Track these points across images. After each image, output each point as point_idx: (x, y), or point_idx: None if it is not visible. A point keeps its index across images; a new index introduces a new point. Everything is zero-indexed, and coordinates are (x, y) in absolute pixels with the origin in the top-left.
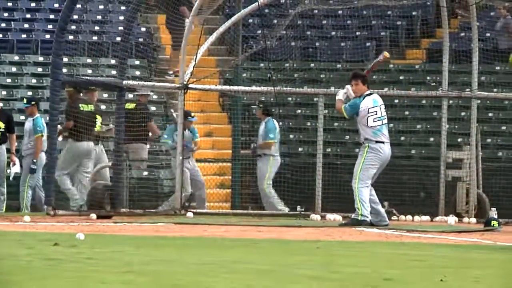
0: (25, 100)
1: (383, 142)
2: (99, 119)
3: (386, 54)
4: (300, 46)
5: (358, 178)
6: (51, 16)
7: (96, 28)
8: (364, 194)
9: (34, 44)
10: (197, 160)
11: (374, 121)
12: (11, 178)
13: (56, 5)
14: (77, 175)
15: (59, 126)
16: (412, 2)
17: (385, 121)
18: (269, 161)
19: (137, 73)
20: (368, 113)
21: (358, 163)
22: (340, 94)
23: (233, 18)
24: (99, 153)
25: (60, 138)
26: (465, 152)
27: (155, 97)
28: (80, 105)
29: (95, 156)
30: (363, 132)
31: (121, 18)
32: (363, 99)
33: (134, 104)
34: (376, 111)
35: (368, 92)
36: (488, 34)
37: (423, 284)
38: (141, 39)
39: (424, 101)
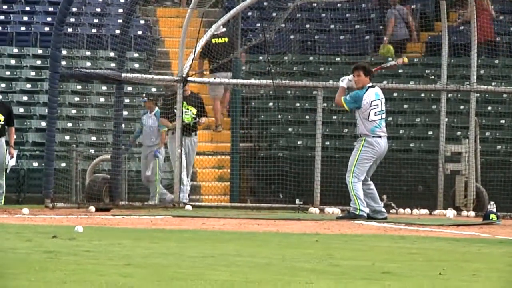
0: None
1: (380, 137)
2: (192, 110)
3: (405, 60)
4: (299, 39)
5: (352, 173)
6: (50, 9)
7: (95, 20)
8: (359, 189)
9: (33, 36)
10: (197, 153)
11: (375, 115)
12: (7, 171)
13: None
14: None
15: None
16: None
17: (384, 115)
18: (160, 152)
19: (136, 66)
20: (371, 106)
21: (353, 156)
22: (345, 81)
23: (232, 11)
24: (190, 144)
25: None
26: (464, 145)
27: (153, 90)
28: None
29: (185, 148)
30: (361, 127)
31: (120, 10)
32: (366, 91)
33: None
34: (378, 105)
35: (370, 84)
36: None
37: (422, 278)
38: (140, 32)
39: (423, 95)
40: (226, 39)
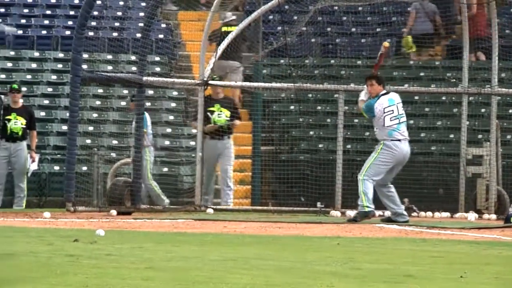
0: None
1: (399, 140)
2: (226, 112)
3: (385, 44)
4: (320, 43)
5: (365, 172)
6: (71, 12)
7: (116, 24)
8: (369, 188)
9: (54, 40)
10: None
11: (391, 120)
12: (29, 175)
13: (76, 1)
14: None
15: None
16: None
17: (403, 119)
18: (146, 154)
19: (157, 69)
20: (384, 112)
21: (370, 158)
22: (362, 95)
23: (253, 15)
24: (225, 148)
25: None
26: (485, 148)
27: (175, 93)
28: None
29: (218, 151)
30: (379, 133)
31: (141, 14)
32: (378, 99)
33: None
34: (393, 110)
35: (384, 91)
36: (507, 31)
37: (444, 281)
38: (161, 35)
39: (444, 98)
40: (234, 28)
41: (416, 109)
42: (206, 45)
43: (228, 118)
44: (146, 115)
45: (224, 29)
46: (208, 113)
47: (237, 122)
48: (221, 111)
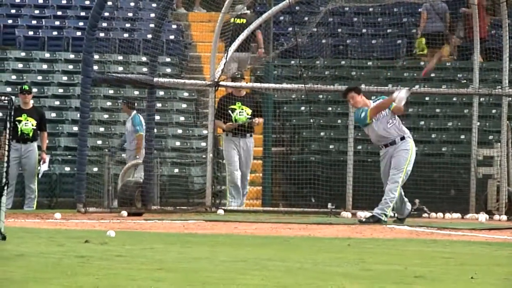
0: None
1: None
2: (247, 110)
3: (445, 52)
4: (331, 44)
5: (405, 173)
6: (82, 13)
7: (127, 25)
8: (399, 192)
9: (65, 41)
10: None
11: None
12: (39, 176)
13: (87, 2)
14: None
15: None
16: None
17: None
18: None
19: (168, 70)
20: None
21: (405, 157)
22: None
23: (264, 15)
24: (246, 146)
25: None
26: (496, 149)
27: (185, 94)
28: None
29: (240, 150)
30: (401, 127)
31: (152, 15)
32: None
33: None
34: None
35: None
36: None
37: (454, 282)
38: (172, 37)
39: (455, 99)
40: (244, 20)
41: (427, 110)
42: (217, 46)
43: (249, 116)
44: (140, 117)
45: (231, 20)
46: (229, 111)
47: (256, 120)
48: (242, 109)
